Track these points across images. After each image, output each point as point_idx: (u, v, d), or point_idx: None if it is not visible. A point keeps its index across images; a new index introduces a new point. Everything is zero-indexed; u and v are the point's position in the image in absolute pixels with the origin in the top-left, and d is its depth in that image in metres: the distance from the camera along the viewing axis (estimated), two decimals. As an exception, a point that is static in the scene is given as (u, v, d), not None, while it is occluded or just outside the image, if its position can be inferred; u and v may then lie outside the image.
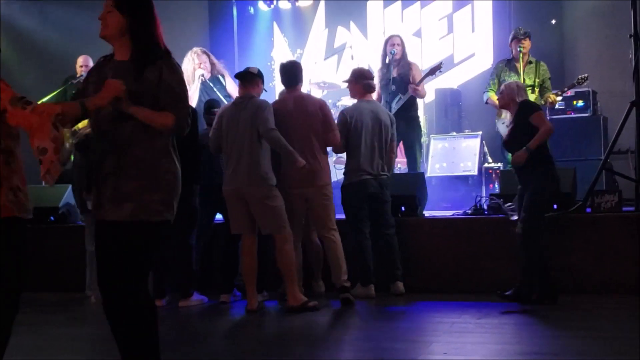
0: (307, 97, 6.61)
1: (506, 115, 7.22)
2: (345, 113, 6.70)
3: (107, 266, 3.33)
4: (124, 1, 3.41)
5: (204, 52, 8.22)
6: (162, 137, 3.37)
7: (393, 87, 7.94)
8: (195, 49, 8.26)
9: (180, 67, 3.53)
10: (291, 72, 6.46)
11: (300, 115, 6.27)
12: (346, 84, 6.95)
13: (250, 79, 6.13)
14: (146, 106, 3.32)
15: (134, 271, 3.31)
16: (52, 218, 7.85)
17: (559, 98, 7.93)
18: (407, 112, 7.98)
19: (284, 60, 6.88)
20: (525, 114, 5.91)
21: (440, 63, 8.24)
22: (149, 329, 3.38)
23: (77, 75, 8.89)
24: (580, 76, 7.60)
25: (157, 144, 3.36)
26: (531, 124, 5.84)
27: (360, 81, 6.73)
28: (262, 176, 5.94)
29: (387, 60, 8.05)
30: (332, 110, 7.15)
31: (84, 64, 8.93)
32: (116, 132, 3.32)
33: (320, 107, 6.40)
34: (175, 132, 3.42)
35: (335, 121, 6.56)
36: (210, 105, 7.10)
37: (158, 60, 3.39)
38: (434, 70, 8.11)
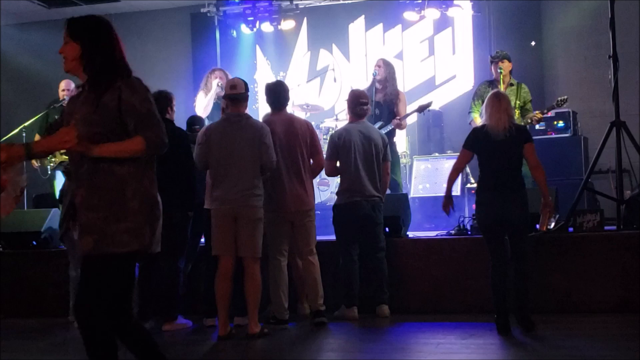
0: (295, 119, 6.53)
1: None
2: (334, 135, 6.74)
3: (80, 296, 3.32)
4: (75, 29, 3.37)
5: (222, 70, 8.52)
6: (126, 163, 3.27)
7: (377, 111, 8.00)
8: (214, 67, 8.78)
9: (142, 84, 3.35)
10: (277, 93, 6.43)
11: (289, 138, 6.27)
12: (331, 106, 6.98)
13: (244, 99, 6.11)
14: (112, 134, 3.24)
15: (104, 301, 3.27)
16: (34, 243, 7.80)
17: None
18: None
19: (270, 81, 6.86)
20: None
21: (430, 102, 8.38)
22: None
23: (60, 100, 8.89)
24: (559, 98, 7.68)
25: (120, 170, 3.26)
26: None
27: (350, 107, 6.77)
28: (257, 199, 5.92)
29: (373, 81, 8.14)
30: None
31: (66, 88, 8.93)
32: (78, 164, 3.30)
33: (308, 129, 6.42)
34: (152, 154, 3.30)
35: (323, 144, 6.58)
36: (192, 121, 7.10)
37: (116, 82, 3.29)
38: (422, 109, 8.22)
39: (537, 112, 7.71)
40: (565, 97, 7.65)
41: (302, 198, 6.27)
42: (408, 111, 8.28)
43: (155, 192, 3.36)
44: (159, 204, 3.38)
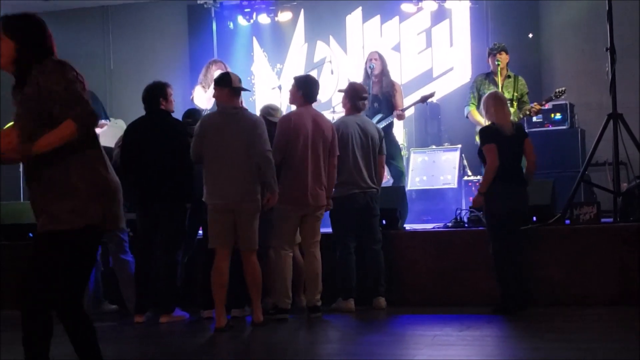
0: (321, 117, 6.49)
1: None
2: None
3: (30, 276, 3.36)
4: (8, 26, 3.38)
5: (221, 62, 8.55)
6: (66, 148, 3.28)
7: (376, 105, 7.99)
8: (214, 59, 8.75)
9: (57, 65, 3.33)
10: (314, 86, 6.44)
11: (314, 134, 6.26)
12: (328, 99, 6.97)
13: (239, 93, 6.09)
14: (45, 126, 3.24)
15: (55, 280, 3.33)
16: (30, 234, 7.78)
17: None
18: (386, 129, 8.01)
19: (306, 74, 6.87)
20: (481, 142, 6.23)
21: (433, 92, 8.36)
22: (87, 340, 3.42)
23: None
24: (557, 89, 7.68)
25: (59, 156, 3.29)
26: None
27: (350, 98, 6.76)
28: (256, 191, 5.90)
29: (368, 74, 8.11)
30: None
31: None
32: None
33: (332, 129, 6.43)
34: (87, 130, 3.28)
35: None
36: (188, 114, 7.06)
37: (31, 71, 3.29)
38: (425, 99, 8.20)
39: (535, 103, 7.71)
40: (564, 88, 7.64)
41: (320, 194, 6.28)
42: (409, 101, 8.28)
43: (104, 172, 3.39)
44: (111, 182, 3.41)
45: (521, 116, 7.81)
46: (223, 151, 5.86)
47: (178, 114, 6.88)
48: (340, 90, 7.12)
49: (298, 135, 6.19)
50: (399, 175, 8.08)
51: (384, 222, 6.92)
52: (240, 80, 6.11)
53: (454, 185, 8.72)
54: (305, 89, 6.39)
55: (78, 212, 3.29)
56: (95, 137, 3.43)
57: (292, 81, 6.55)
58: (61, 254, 3.31)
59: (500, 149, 6.02)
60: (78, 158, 3.32)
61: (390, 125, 8.02)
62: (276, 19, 10.86)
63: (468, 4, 10.27)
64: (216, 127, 5.93)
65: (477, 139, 7.91)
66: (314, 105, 6.55)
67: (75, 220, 3.29)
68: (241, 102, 6.58)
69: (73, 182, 3.29)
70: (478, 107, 7.78)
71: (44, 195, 3.32)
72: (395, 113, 7.94)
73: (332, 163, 6.42)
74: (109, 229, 3.42)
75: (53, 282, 3.32)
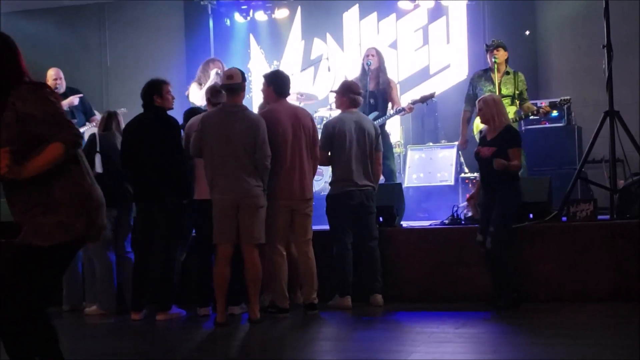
0: (299, 109, 6.54)
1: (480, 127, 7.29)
2: (328, 125, 6.72)
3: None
4: None
5: (219, 60, 8.54)
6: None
7: (371, 101, 7.99)
8: (212, 57, 8.78)
9: (34, 88, 3.29)
10: (286, 81, 6.42)
11: (294, 127, 6.25)
12: (325, 96, 6.97)
13: (241, 90, 6.09)
14: (30, 147, 3.21)
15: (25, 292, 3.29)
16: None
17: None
18: (381, 127, 8.02)
19: (277, 69, 6.86)
20: (508, 142, 6.13)
21: (433, 93, 8.35)
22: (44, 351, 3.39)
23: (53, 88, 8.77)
24: (562, 97, 7.71)
25: (44, 172, 3.25)
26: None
27: (346, 94, 6.75)
28: (259, 187, 5.94)
29: (365, 70, 8.11)
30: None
31: (56, 76, 8.85)
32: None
33: (311, 119, 6.45)
34: (74, 151, 3.30)
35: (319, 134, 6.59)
36: (191, 113, 7.02)
37: (9, 96, 3.22)
38: (425, 99, 8.18)
39: (544, 105, 7.71)
40: (569, 97, 7.72)
41: (306, 186, 6.29)
42: (405, 100, 8.30)
43: (86, 183, 3.37)
44: (94, 196, 3.39)
45: (530, 115, 7.78)
46: (224, 148, 5.88)
47: (176, 111, 6.84)
48: (332, 91, 7.11)
49: (276, 131, 6.16)
50: (390, 174, 8.09)
51: (380, 219, 6.92)
52: (233, 76, 6.05)
53: (451, 182, 8.73)
54: (275, 84, 6.37)
55: (63, 227, 3.27)
56: (78, 152, 3.40)
57: (262, 79, 6.53)
58: (40, 267, 3.29)
59: None
60: (61, 173, 3.29)
61: (385, 123, 8.03)
62: (273, 16, 10.85)
63: (465, 1, 10.26)
64: (216, 125, 5.94)
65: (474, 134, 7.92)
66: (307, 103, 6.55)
67: (58, 235, 3.26)
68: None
69: (57, 196, 3.27)
70: (473, 105, 7.77)
71: (28, 210, 3.29)
72: (407, 106, 7.95)
73: (314, 153, 6.42)
74: (92, 240, 3.42)
75: (32, 292, 3.30)
